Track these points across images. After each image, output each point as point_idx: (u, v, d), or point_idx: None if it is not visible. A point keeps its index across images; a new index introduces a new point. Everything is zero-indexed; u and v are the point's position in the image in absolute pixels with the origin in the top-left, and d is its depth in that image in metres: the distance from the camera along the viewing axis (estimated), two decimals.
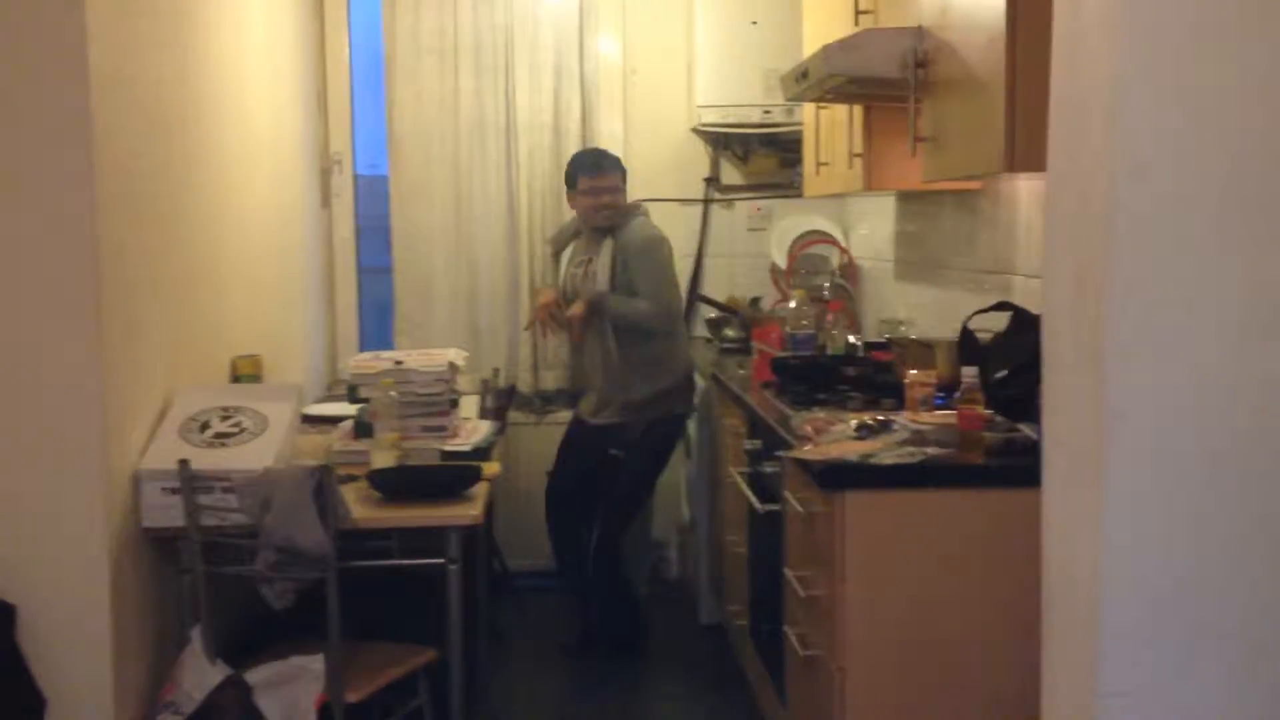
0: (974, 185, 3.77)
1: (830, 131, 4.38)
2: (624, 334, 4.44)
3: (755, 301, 5.37)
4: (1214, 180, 1.54)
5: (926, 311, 4.38)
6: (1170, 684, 1.58)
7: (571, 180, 4.55)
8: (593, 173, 4.50)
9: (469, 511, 3.29)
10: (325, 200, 5.42)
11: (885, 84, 3.41)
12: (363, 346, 5.50)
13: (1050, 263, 1.71)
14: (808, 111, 4.73)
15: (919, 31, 3.23)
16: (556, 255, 5.00)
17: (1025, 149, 2.60)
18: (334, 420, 4.12)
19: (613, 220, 4.48)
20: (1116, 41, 1.52)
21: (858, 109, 3.98)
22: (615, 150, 5.34)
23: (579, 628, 4.71)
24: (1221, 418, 1.56)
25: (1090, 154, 1.58)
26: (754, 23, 5.21)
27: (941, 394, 3.25)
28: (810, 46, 4.37)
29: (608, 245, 4.45)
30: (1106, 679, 1.58)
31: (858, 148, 3.98)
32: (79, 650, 2.94)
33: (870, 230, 5.22)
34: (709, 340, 5.29)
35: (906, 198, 4.64)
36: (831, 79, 3.51)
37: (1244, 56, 1.52)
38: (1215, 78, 1.53)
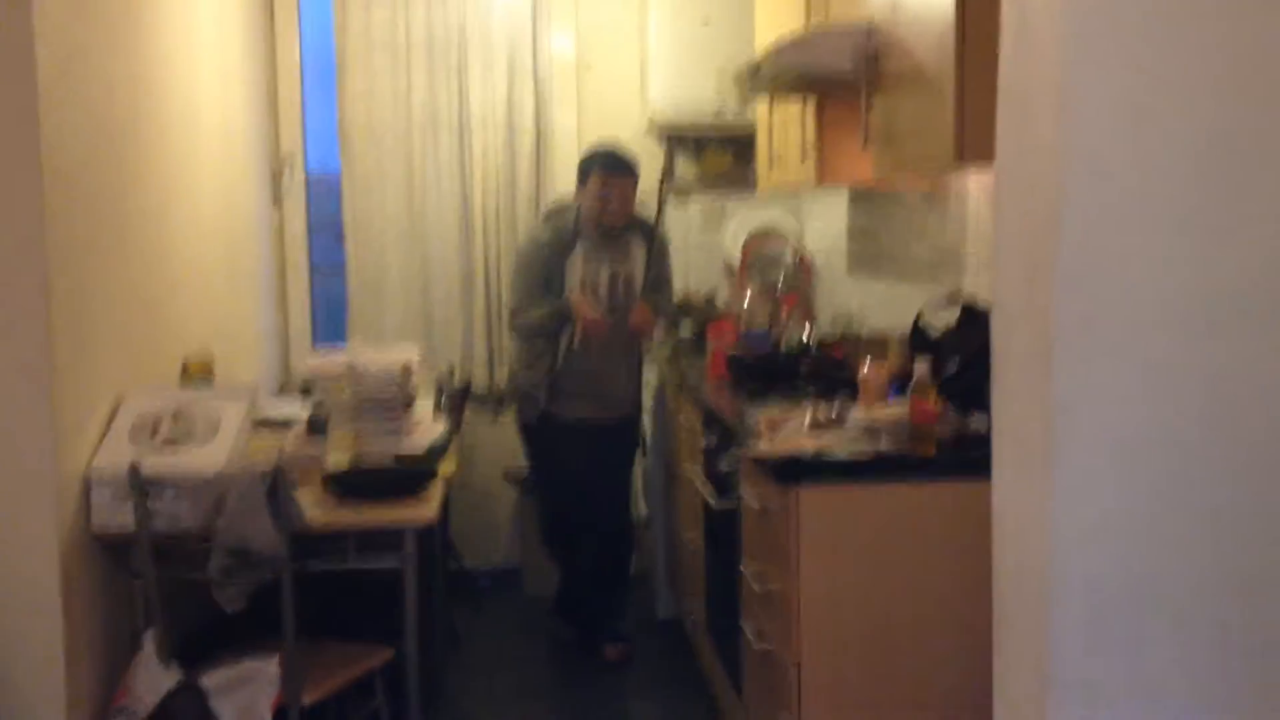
0: (926, 180, 3.80)
1: (783, 128, 4.40)
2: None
3: (710, 298, 5.38)
4: (1162, 171, 1.55)
5: (879, 305, 4.41)
6: (1122, 670, 1.60)
7: (584, 175, 4.45)
8: (606, 173, 4.39)
9: (424, 512, 3.28)
10: (276, 199, 5.38)
11: (837, 80, 3.43)
12: (316, 345, 5.47)
13: (1000, 255, 1.73)
14: (761, 108, 4.75)
15: (870, 28, 3.25)
16: (552, 257, 4.46)
17: (975, 143, 2.62)
18: (287, 422, 4.09)
19: (625, 222, 4.47)
20: (1063, 33, 1.54)
21: (810, 105, 4.00)
22: (569, 146, 5.35)
23: (575, 637, 4.74)
24: (1169, 407, 1.58)
25: (1038, 146, 1.60)
26: (706, 23, 5.23)
27: (894, 387, 3.27)
28: (763, 45, 4.39)
29: (638, 246, 4.49)
30: (1057, 667, 1.59)
31: (810, 143, 4.00)
32: (29, 656, 2.90)
33: (823, 225, 5.24)
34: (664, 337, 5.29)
35: (859, 193, 4.66)
36: (783, 75, 3.53)
37: (1191, 49, 1.54)
38: (1163, 69, 1.54)
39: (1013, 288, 1.68)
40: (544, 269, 4.46)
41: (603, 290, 4.46)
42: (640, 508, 5.20)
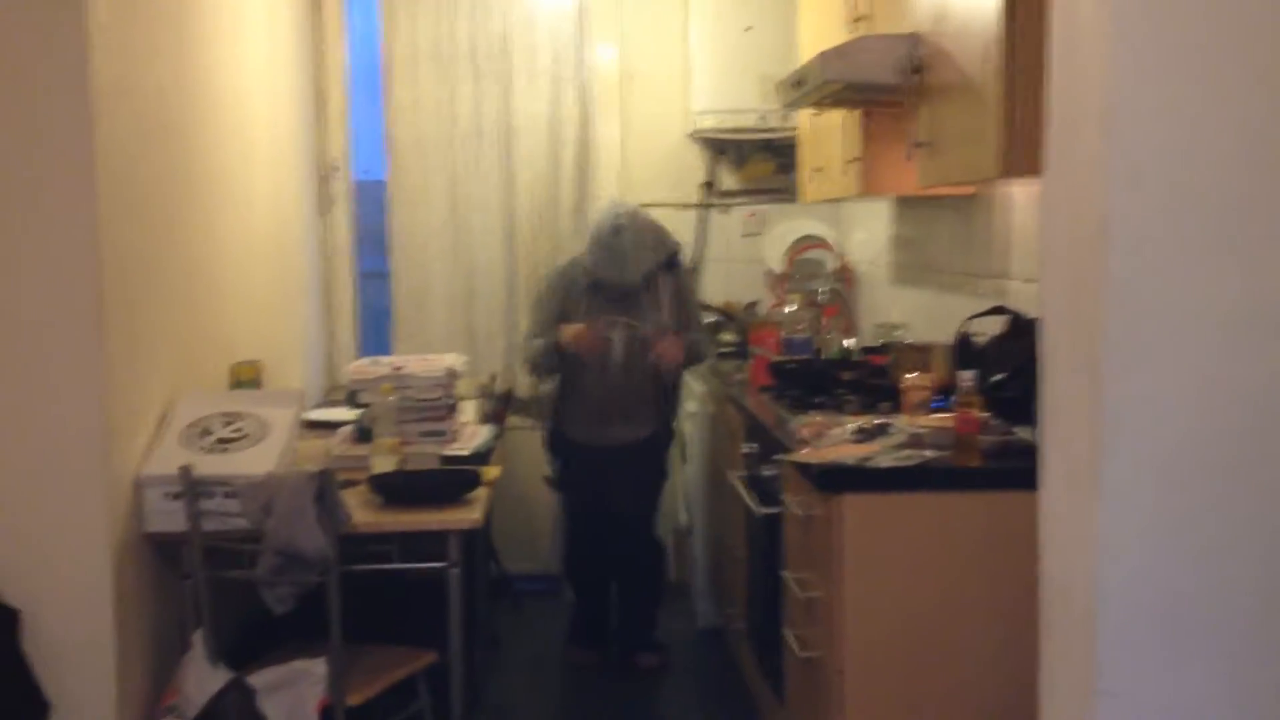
0: (970, 190, 3.80)
1: (826, 137, 4.40)
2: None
3: (752, 306, 5.39)
4: (1208, 185, 1.56)
5: (922, 315, 4.40)
6: (1165, 684, 1.60)
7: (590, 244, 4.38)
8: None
9: (469, 515, 3.31)
10: (323, 206, 5.44)
11: (881, 90, 3.44)
12: (361, 352, 5.51)
13: (1047, 268, 1.73)
14: (803, 117, 4.76)
15: (914, 38, 3.26)
16: (569, 294, 4.47)
17: (1021, 154, 2.62)
18: (334, 425, 4.14)
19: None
20: (1111, 48, 1.54)
21: (853, 114, 4.00)
22: (613, 155, 5.37)
23: (597, 660, 4.68)
24: (1215, 421, 1.57)
25: (1086, 159, 1.60)
26: (749, 29, 5.24)
27: (938, 397, 3.27)
28: (805, 52, 4.39)
29: (656, 291, 4.39)
30: (1103, 679, 1.60)
31: (853, 153, 4.00)
32: (82, 655, 2.95)
33: (866, 235, 5.24)
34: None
35: (902, 202, 4.66)
36: (827, 86, 3.53)
37: (1236, 66, 1.54)
38: (1209, 84, 1.55)
39: (1060, 299, 1.69)
40: (560, 301, 4.43)
41: (617, 340, 4.34)
42: (681, 514, 5.22)
